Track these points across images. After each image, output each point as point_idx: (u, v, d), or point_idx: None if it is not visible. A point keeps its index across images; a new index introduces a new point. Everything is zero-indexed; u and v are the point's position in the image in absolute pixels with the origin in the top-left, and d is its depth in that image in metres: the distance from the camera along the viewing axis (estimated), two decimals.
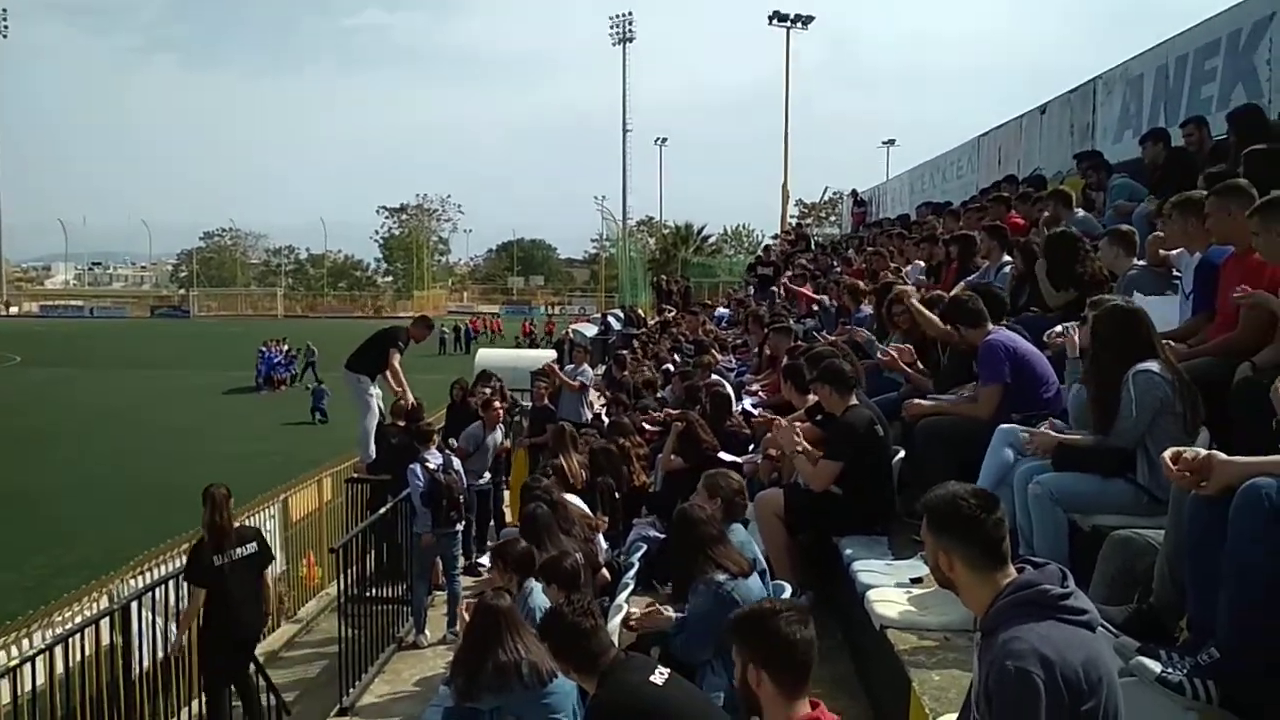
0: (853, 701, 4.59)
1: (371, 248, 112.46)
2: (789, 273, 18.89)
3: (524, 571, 5.37)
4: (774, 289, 18.97)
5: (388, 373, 10.74)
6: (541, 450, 10.20)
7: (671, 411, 9.66)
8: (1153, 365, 3.87)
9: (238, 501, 10.33)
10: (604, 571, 6.48)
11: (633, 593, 5.70)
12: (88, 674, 6.86)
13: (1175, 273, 5.59)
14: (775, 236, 36.81)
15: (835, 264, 18.42)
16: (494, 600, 4.72)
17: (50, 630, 7.40)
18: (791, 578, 5.37)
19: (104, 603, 8.08)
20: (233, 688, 7.40)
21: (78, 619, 7.42)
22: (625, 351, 16.77)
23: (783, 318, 11.92)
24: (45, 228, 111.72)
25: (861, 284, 10.56)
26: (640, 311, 31.70)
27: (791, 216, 53.48)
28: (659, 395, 12.20)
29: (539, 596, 5.19)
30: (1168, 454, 3.00)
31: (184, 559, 7.76)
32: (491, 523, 11.15)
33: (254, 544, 7.41)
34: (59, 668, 6.35)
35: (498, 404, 10.81)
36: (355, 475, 10.97)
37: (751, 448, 8.04)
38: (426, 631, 8.99)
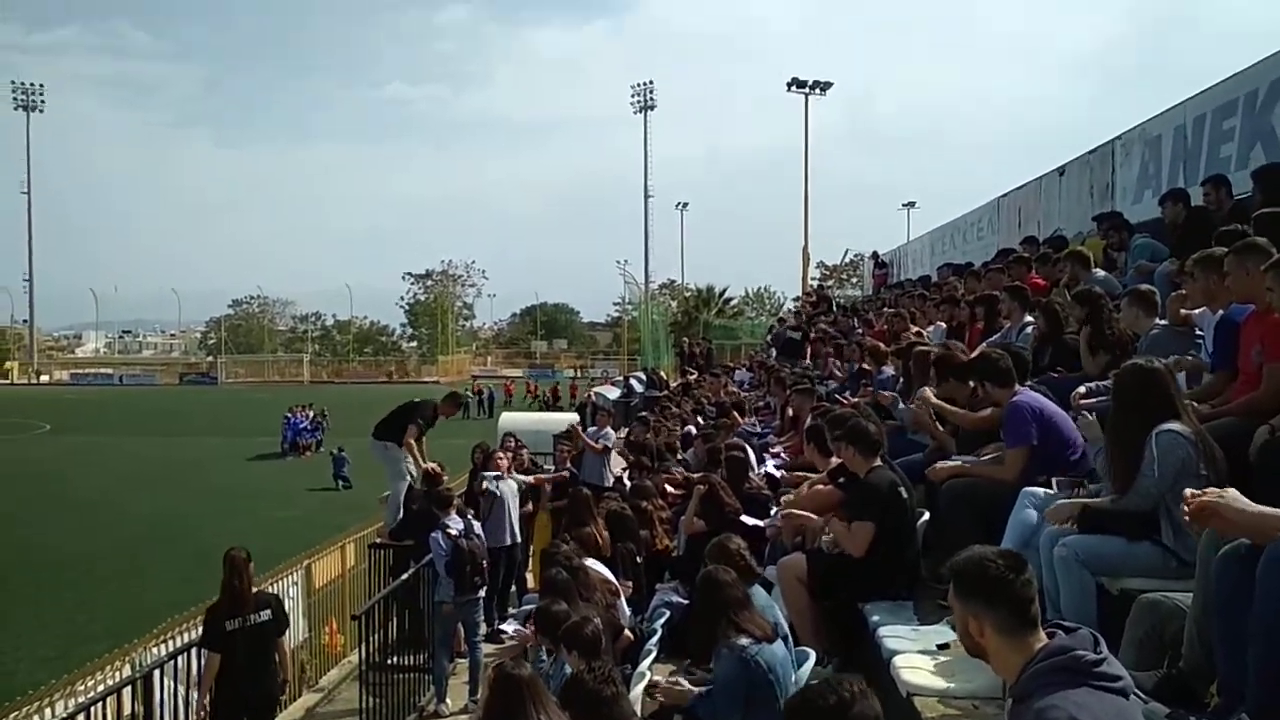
0: None
1: (397, 313, 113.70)
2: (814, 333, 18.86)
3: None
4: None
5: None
6: (564, 514, 10.17)
7: (691, 476, 9.62)
8: (1176, 425, 3.84)
9: (262, 567, 10.37)
10: (627, 633, 6.41)
11: (656, 660, 5.64)
12: None
13: (1198, 332, 5.56)
14: (797, 299, 36.92)
15: (857, 325, 18.44)
16: (514, 669, 4.63)
17: (73, 699, 7.39)
18: (816, 643, 5.29)
19: (126, 671, 8.06)
20: None
21: (100, 688, 7.40)
22: (648, 414, 16.79)
23: (805, 379, 11.92)
24: (77, 297, 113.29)
25: (882, 345, 10.55)
26: (663, 374, 31.74)
27: (813, 279, 53.61)
28: (680, 458, 12.18)
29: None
30: (1186, 492, 2.97)
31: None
32: (514, 588, 11.08)
33: (268, 611, 7.34)
34: None
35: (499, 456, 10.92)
36: (378, 540, 10.97)
37: (773, 511, 7.99)
38: (448, 700, 8.89)
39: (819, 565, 5.68)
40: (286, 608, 10.25)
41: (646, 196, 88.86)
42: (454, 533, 8.76)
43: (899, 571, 5.57)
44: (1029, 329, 7.66)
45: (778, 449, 10.26)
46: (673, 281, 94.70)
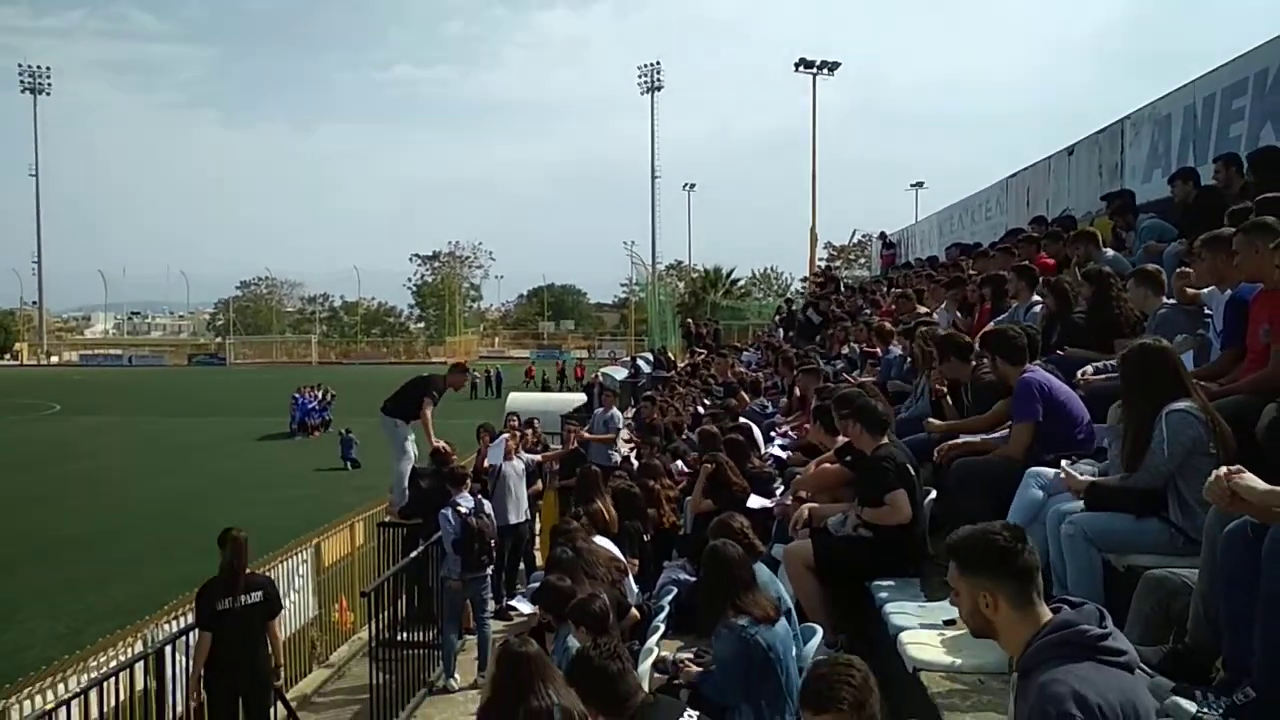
0: None
1: (404, 295, 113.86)
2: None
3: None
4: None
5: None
6: (572, 493, 10.21)
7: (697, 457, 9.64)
8: (1186, 404, 3.85)
9: (272, 546, 10.45)
10: (634, 612, 6.45)
11: (663, 636, 5.67)
12: (122, 718, 6.90)
13: (1206, 310, 5.55)
14: (804, 279, 36.84)
15: (864, 306, 18.38)
16: (519, 646, 4.62)
17: (85, 675, 7.45)
18: (824, 622, 5.32)
19: (138, 647, 8.12)
20: None
21: (112, 663, 7.46)
22: (654, 393, 16.80)
23: (812, 359, 11.90)
24: (85, 278, 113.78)
25: (889, 325, 10.53)
26: (670, 354, 31.72)
27: (820, 259, 53.51)
28: (686, 437, 12.19)
29: (575, 639, 5.17)
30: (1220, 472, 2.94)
31: None
32: (522, 565, 11.14)
33: (260, 593, 7.35)
34: (94, 712, 6.42)
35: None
36: (387, 519, 11.03)
37: (780, 489, 7.99)
38: (456, 676, 8.97)
39: (825, 548, 5.68)
40: (297, 585, 10.38)
41: (654, 177, 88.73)
42: (464, 510, 8.82)
43: (907, 549, 5.58)
44: (1036, 308, 7.64)
45: (784, 428, 10.26)
46: (680, 262, 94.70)
